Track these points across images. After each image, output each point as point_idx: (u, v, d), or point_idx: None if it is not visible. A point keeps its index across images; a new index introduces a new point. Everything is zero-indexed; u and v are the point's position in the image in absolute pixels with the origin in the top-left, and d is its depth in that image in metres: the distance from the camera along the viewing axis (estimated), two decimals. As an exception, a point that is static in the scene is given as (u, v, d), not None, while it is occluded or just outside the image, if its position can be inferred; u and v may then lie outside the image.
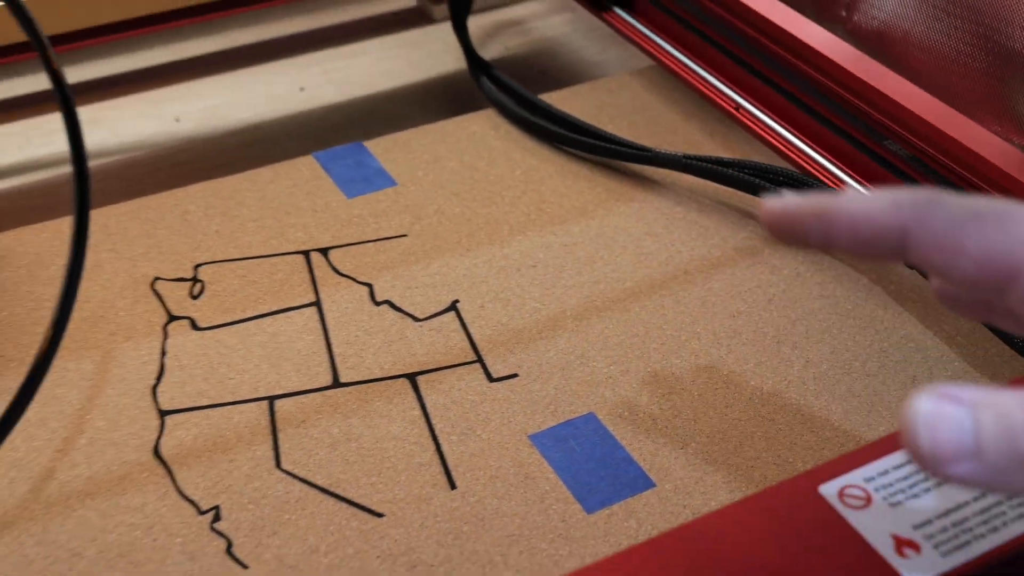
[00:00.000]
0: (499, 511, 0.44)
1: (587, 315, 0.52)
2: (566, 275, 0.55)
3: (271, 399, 0.49)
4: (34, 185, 0.66)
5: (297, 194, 0.60)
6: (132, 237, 0.57)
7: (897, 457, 0.33)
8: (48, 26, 0.56)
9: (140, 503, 0.45)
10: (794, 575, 0.30)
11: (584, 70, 0.75)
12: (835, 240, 0.31)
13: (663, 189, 0.60)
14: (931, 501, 0.32)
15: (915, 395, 0.27)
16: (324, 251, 0.56)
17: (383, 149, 0.63)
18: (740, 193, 0.58)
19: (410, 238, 0.57)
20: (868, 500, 0.32)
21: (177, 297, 0.54)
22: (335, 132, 0.69)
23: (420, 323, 0.52)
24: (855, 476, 0.33)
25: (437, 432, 0.47)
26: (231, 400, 0.49)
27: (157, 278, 0.55)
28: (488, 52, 0.72)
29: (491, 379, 0.49)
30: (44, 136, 0.69)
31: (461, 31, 0.71)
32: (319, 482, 0.45)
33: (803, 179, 0.56)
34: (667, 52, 0.67)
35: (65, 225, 0.58)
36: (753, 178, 0.56)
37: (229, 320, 0.53)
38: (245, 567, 0.42)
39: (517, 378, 0.49)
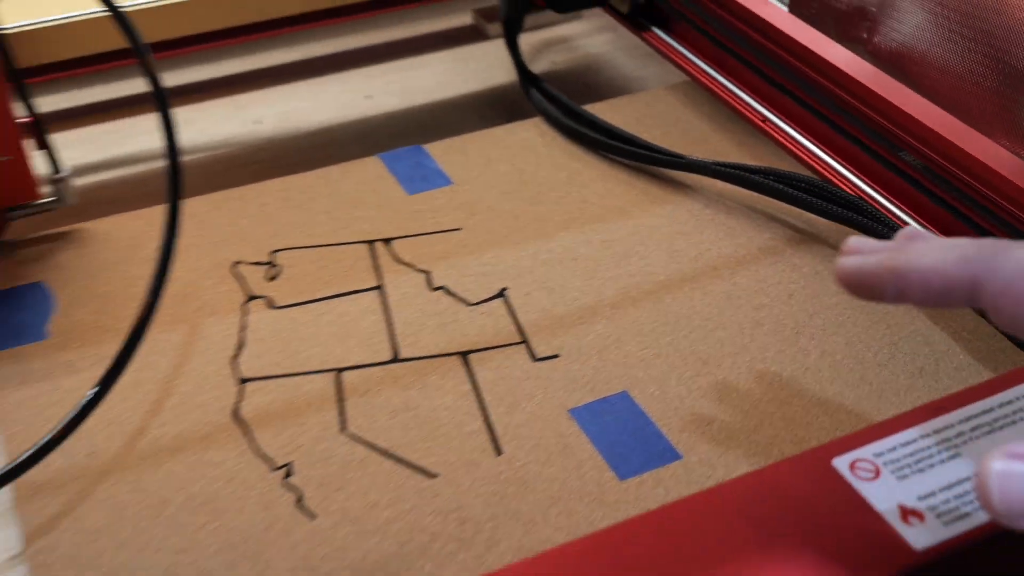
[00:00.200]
0: (540, 476, 0.44)
1: (623, 304, 0.53)
2: (604, 268, 0.55)
3: (338, 371, 0.49)
4: (130, 177, 0.67)
5: (363, 190, 0.60)
6: (217, 225, 0.58)
7: (904, 435, 0.33)
8: (146, 35, 0.57)
9: (221, 458, 0.45)
10: (809, 537, 0.31)
11: (624, 84, 0.75)
12: (908, 295, 0.30)
13: (694, 193, 0.60)
14: (935, 476, 0.32)
15: (989, 456, 0.27)
16: (387, 241, 0.57)
17: (441, 151, 0.63)
18: (765, 198, 0.57)
19: (464, 231, 0.57)
20: (877, 473, 0.32)
21: (256, 279, 0.55)
22: (397, 136, 0.69)
23: (472, 307, 0.53)
24: (865, 451, 0.33)
25: (485, 404, 0.47)
26: (302, 371, 0.49)
27: (238, 262, 0.56)
28: (537, 66, 0.72)
29: (535, 359, 0.50)
30: (140, 134, 0.70)
31: (513, 47, 0.71)
32: (380, 445, 0.46)
33: (823, 186, 0.55)
34: (700, 68, 0.66)
35: (157, 213, 0.59)
36: (777, 184, 0.56)
37: (302, 300, 0.53)
38: (313, 517, 0.43)
39: (558, 358, 0.50)
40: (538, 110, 0.66)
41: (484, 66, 0.77)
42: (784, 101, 0.61)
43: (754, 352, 0.50)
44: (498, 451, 0.45)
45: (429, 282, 0.54)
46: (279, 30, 0.73)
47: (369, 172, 0.62)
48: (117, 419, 0.47)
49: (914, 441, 0.33)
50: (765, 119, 0.62)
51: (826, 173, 0.58)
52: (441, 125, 0.69)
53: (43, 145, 0.55)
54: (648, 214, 0.58)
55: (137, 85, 0.73)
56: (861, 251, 0.32)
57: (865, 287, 0.32)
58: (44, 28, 0.55)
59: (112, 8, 0.43)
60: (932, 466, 0.32)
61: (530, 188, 0.60)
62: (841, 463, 0.32)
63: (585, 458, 0.45)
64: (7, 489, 0.45)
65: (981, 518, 0.30)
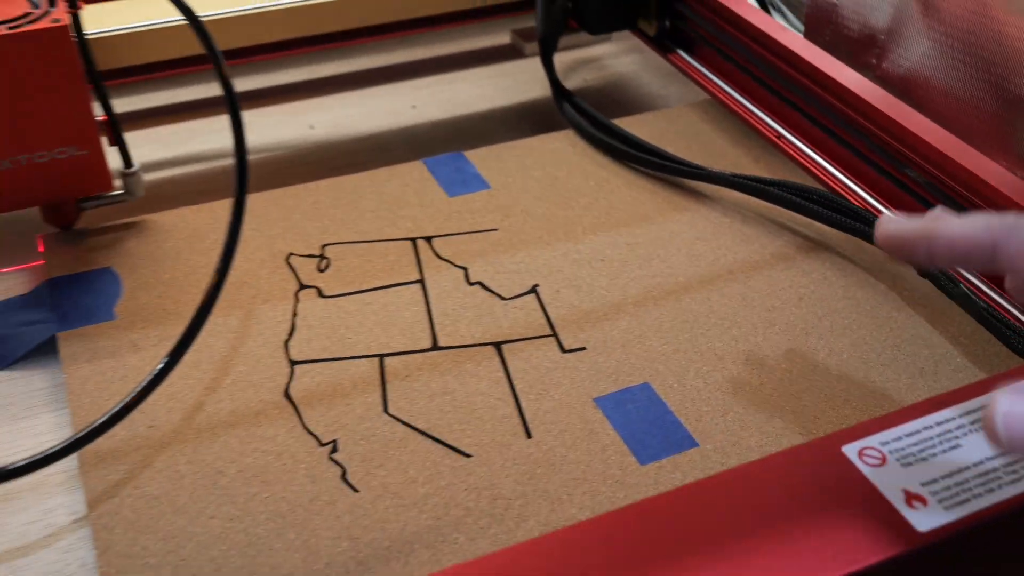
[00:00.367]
0: (567, 458, 0.44)
1: (645, 303, 0.53)
2: (628, 269, 0.55)
3: (381, 356, 0.49)
4: (193, 174, 0.67)
5: (407, 192, 0.61)
6: (272, 219, 0.58)
7: (909, 426, 0.33)
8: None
9: (272, 434, 0.46)
10: (819, 517, 0.30)
11: (649, 101, 0.75)
12: (937, 256, 0.33)
13: (713, 202, 0.60)
14: (937, 464, 0.32)
15: (996, 395, 0.28)
16: (428, 239, 0.57)
17: (479, 158, 0.63)
18: (778, 208, 0.57)
19: (500, 232, 0.58)
20: (883, 460, 0.32)
21: (307, 270, 0.55)
22: (439, 143, 0.69)
23: (506, 302, 0.53)
24: (873, 440, 0.33)
25: (517, 391, 0.47)
26: (349, 355, 0.50)
27: (291, 254, 0.56)
28: (569, 83, 0.72)
29: (563, 350, 0.50)
30: (202, 135, 0.70)
31: (548, 65, 0.71)
32: (419, 426, 0.46)
33: (833, 198, 0.55)
34: (721, 88, 0.66)
35: (217, 207, 0.59)
36: (790, 195, 0.56)
37: (349, 291, 0.53)
38: (356, 491, 0.43)
39: (585, 351, 0.50)
40: (570, 123, 0.66)
41: (520, 81, 0.76)
42: (798, 119, 0.61)
43: (766, 350, 0.49)
44: (528, 434, 0.45)
45: (467, 277, 0.54)
46: (332, 44, 0.74)
47: (413, 175, 0.62)
48: (177, 395, 0.47)
49: (918, 432, 0.33)
50: (780, 136, 0.61)
51: (836, 186, 0.57)
52: (480, 134, 0.69)
53: (116, 142, 0.55)
54: (670, 220, 0.58)
55: (199, 91, 0.74)
56: (899, 219, 0.34)
57: (901, 247, 0.34)
58: (123, 35, 0.56)
59: (192, 17, 0.44)
60: (935, 455, 0.32)
61: (561, 194, 0.60)
62: (850, 450, 0.32)
63: (608, 443, 0.45)
64: (72, 456, 0.45)
65: (980, 504, 0.30)
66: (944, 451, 0.32)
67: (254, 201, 0.59)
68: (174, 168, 0.67)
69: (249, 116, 0.71)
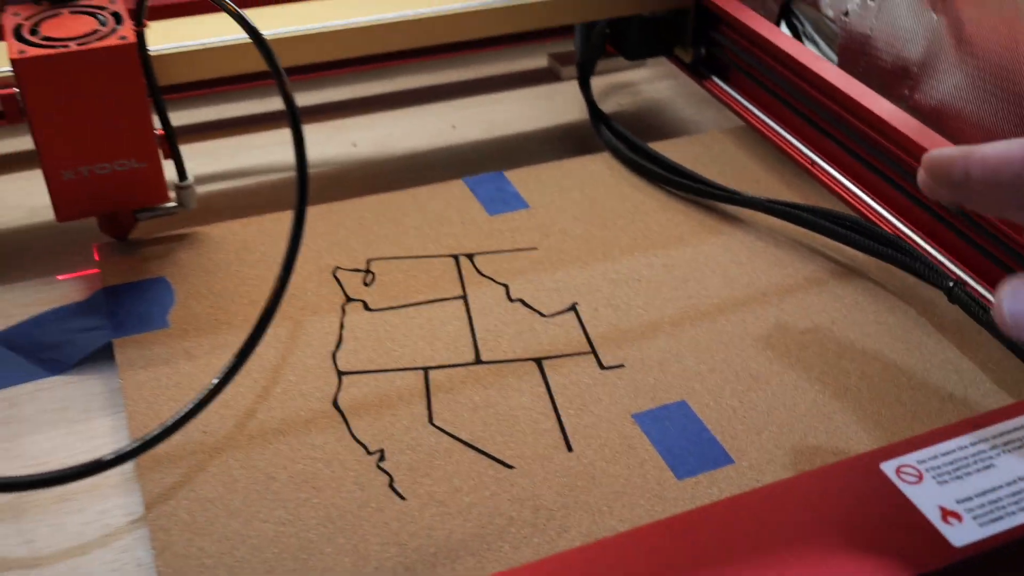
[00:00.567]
0: (607, 472, 0.45)
1: (682, 322, 0.54)
2: (665, 290, 0.56)
3: (426, 369, 0.51)
4: (238, 188, 0.69)
5: (449, 209, 0.62)
6: (319, 234, 0.60)
7: (945, 446, 0.34)
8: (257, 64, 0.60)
9: (322, 442, 0.47)
10: (858, 531, 0.32)
11: (683, 126, 0.76)
12: (972, 173, 0.33)
13: (747, 226, 0.61)
14: (972, 482, 0.33)
15: (1003, 281, 0.31)
16: (470, 256, 0.58)
17: (519, 178, 0.65)
18: (811, 233, 0.59)
19: (539, 251, 0.59)
20: (920, 477, 0.33)
21: (353, 284, 0.57)
22: (479, 163, 0.70)
23: (546, 319, 0.54)
24: (910, 458, 0.34)
25: (558, 405, 0.49)
26: (394, 367, 0.51)
27: (337, 267, 0.58)
28: (605, 106, 0.73)
29: (602, 367, 0.51)
30: (249, 150, 0.72)
31: (586, 88, 0.73)
32: (463, 437, 0.47)
33: (865, 225, 0.57)
34: (755, 115, 0.67)
35: (265, 220, 0.61)
36: (823, 221, 0.57)
37: (394, 305, 0.55)
38: (403, 498, 0.44)
39: (623, 368, 0.51)
40: (607, 145, 0.68)
41: (558, 104, 0.78)
42: (831, 147, 0.62)
43: (800, 371, 0.51)
44: (569, 448, 0.47)
45: (508, 294, 0.56)
46: (375, 64, 0.76)
47: (454, 193, 0.63)
48: (229, 402, 0.49)
49: (953, 451, 0.34)
50: (813, 163, 0.63)
51: (868, 213, 0.59)
52: (518, 154, 0.70)
53: (172, 155, 0.57)
54: (705, 243, 0.60)
55: (242, 107, 0.76)
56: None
57: (939, 168, 0.34)
58: (181, 52, 0.58)
59: (258, 37, 0.46)
60: (969, 474, 0.33)
61: (599, 215, 0.62)
62: (888, 467, 0.34)
63: (646, 458, 0.46)
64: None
65: (1014, 521, 0.31)
66: (978, 470, 0.33)
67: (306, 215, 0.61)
68: (220, 182, 0.69)
69: (297, 133, 0.73)
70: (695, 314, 0.54)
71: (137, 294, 0.55)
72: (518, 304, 0.55)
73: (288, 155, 0.70)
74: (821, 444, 0.46)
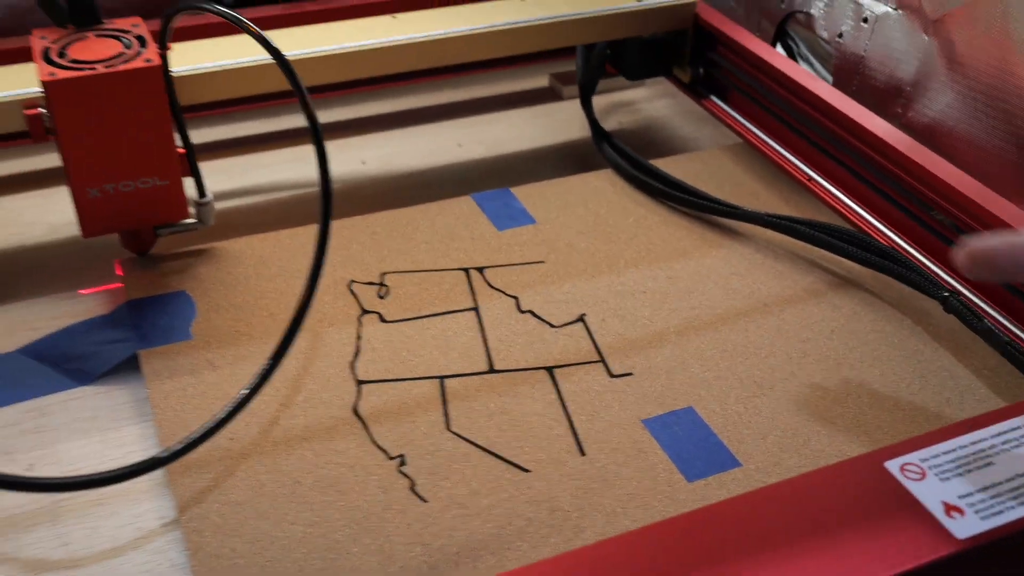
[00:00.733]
0: (619, 475, 0.47)
1: (686, 332, 0.56)
2: (669, 301, 0.58)
3: (442, 378, 0.53)
4: (252, 205, 0.70)
5: (458, 225, 0.64)
6: (333, 249, 0.61)
7: (946, 445, 0.36)
8: (269, 85, 0.61)
9: (344, 447, 0.49)
10: (865, 524, 0.34)
11: (682, 144, 0.78)
12: (1021, 263, 0.35)
13: (746, 239, 0.63)
14: (972, 479, 0.35)
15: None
16: (480, 269, 0.60)
17: (525, 195, 0.67)
18: (809, 246, 0.61)
19: (547, 264, 0.61)
20: (923, 474, 0.35)
21: (368, 296, 0.58)
22: (484, 180, 0.72)
23: (556, 329, 0.56)
24: (913, 456, 0.36)
25: (570, 412, 0.51)
26: (411, 376, 0.53)
27: (353, 281, 0.59)
28: (605, 125, 0.75)
29: (611, 375, 0.53)
30: (257, 168, 0.74)
31: (587, 106, 0.75)
32: (479, 442, 0.49)
33: (862, 238, 0.59)
34: (753, 132, 0.70)
35: (282, 236, 0.62)
36: (821, 234, 0.59)
37: (408, 316, 0.57)
38: (425, 501, 0.46)
39: (632, 376, 0.53)
40: (609, 162, 0.70)
41: (559, 122, 0.80)
42: (827, 163, 0.64)
43: (801, 378, 0.53)
44: (582, 452, 0.48)
45: (518, 306, 0.57)
46: (382, 84, 0.78)
47: (463, 209, 0.65)
48: (254, 411, 0.50)
49: (954, 450, 0.36)
50: (810, 178, 0.65)
51: (864, 227, 0.61)
52: (522, 172, 0.72)
53: (192, 173, 0.59)
54: (706, 256, 0.62)
55: (253, 127, 0.78)
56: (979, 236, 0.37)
57: (985, 260, 0.36)
58: (199, 74, 0.59)
59: (280, 58, 0.48)
60: (970, 471, 0.35)
61: (603, 229, 0.64)
62: (892, 465, 0.36)
63: (657, 462, 0.48)
64: (160, 465, 0.49)
65: (1014, 515, 0.33)
66: (979, 467, 0.35)
67: (313, 232, 0.62)
68: (231, 199, 0.71)
69: (306, 151, 0.74)
70: (699, 324, 0.56)
71: (160, 307, 0.57)
72: (528, 315, 0.57)
73: (295, 173, 0.73)
74: (824, 447, 0.48)
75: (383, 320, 0.56)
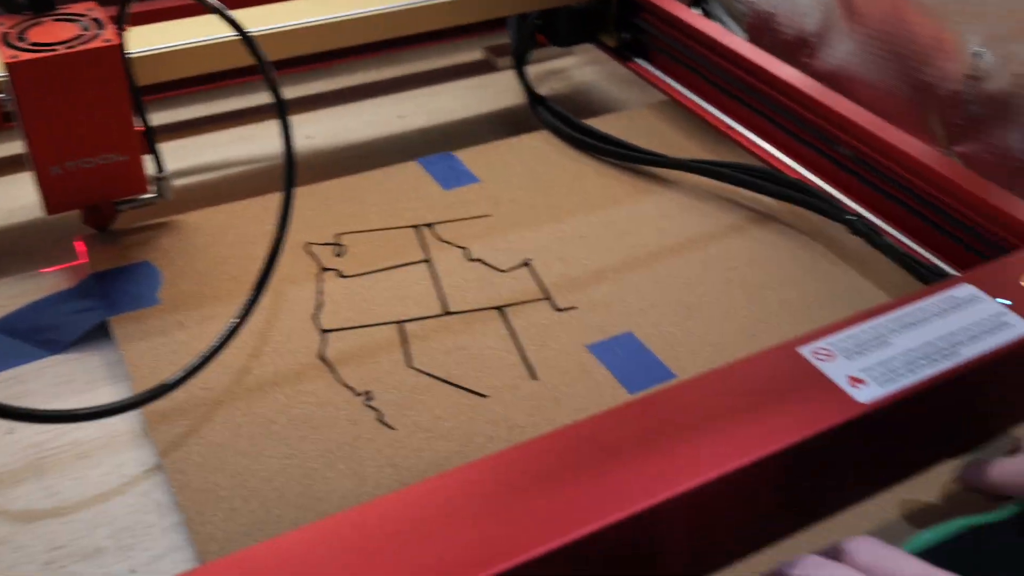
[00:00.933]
0: (568, 394, 0.51)
1: (623, 270, 0.60)
2: (606, 243, 0.62)
3: (401, 322, 0.57)
4: (207, 181, 0.73)
5: (406, 187, 0.68)
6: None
7: (851, 330, 0.41)
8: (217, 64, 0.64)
9: (313, 389, 0.52)
10: (783, 400, 0.38)
11: (612, 105, 0.82)
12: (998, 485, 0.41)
13: (675, 185, 0.68)
14: (873, 355, 0.40)
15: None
16: (430, 225, 0.64)
17: (468, 157, 0.71)
18: (731, 187, 0.65)
19: (492, 217, 0.65)
20: (832, 355, 0.40)
21: (325, 256, 0.62)
22: (427, 148, 0.74)
23: (504, 273, 0.60)
24: (823, 341, 0.41)
25: (521, 343, 0.55)
26: (372, 323, 0.57)
27: (309, 243, 0.63)
28: (540, 92, 0.79)
29: (557, 309, 0.57)
30: (215, 146, 0.77)
31: (522, 74, 0.79)
32: (439, 375, 0.53)
33: (775, 174, 0.64)
34: (676, 89, 0.74)
35: (237, 207, 0.65)
36: (740, 175, 0.64)
37: (365, 271, 0.60)
38: (393, 428, 0.50)
39: (576, 309, 0.57)
40: (545, 124, 0.74)
41: (495, 92, 0.84)
42: (744, 112, 0.69)
43: (727, 302, 0.58)
44: (533, 376, 0.53)
45: (467, 255, 0.61)
46: (322, 63, 0.81)
47: (410, 173, 0.69)
48: (224, 362, 0.54)
49: (857, 334, 0.41)
50: (729, 127, 0.70)
51: (778, 165, 0.66)
52: (462, 138, 0.76)
53: (151, 150, 0.62)
54: (638, 202, 0.66)
55: (202, 109, 0.80)
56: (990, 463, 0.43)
57: (1004, 487, 0.42)
58: (159, 54, 0.63)
59: (241, 32, 0.51)
60: (871, 349, 0.40)
61: (543, 184, 0.68)
62: (805, 351, 0.40)
63: (602, 379, 0.52)
64: (136, 416, 0.52)
65: (907, 381, 0.38)
66: (878, 346, 0.40)
67: (269, 201, 0.65)
68: (191, 176, 0.74)
69: (253, 129, 0.78)
70: (634, 262, 0.61)
71: (126, 276, 0.60)
72: (478, 263, 0.61)
73: (246, 150, 0.76)
74: (751, 359, 0.53)
75: (342, 276, 0.60)
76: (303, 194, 0.67)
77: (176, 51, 0.63)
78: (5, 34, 0.56)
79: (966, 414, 0.43)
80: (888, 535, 0.40)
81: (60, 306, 0.59)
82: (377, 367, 0.54)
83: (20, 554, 0.46)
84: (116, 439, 0.52)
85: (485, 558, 0.33)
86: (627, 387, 0.52)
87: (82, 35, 0.56)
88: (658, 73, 0.76)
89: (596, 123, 0.74)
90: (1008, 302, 0.43)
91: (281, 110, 0.51)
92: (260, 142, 0.77)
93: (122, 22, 0.56)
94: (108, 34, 0.56)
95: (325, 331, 0.56)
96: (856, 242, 0.60)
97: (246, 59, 0.60)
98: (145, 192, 0.62)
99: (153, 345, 0.55)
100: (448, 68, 0.87)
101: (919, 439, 0.42)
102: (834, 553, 0.38)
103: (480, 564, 0.32)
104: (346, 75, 0.86)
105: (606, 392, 0.51)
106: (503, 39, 0.86)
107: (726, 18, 0.80)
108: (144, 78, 0.61)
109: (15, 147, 0.57)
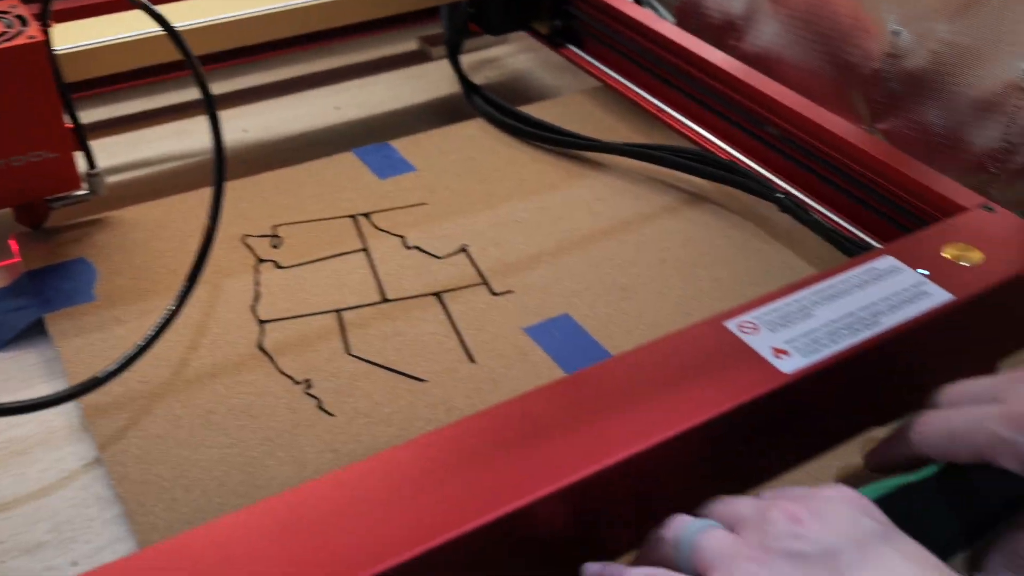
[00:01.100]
0: (506, 376, 0.52)
1: (558, 253, 0.61)
2: (542, 227, 0.63)
3: (339, 311, 0.57)
4: (141, 177, 0.73)
5: (342, 178, 0.68)
6: (224, 209, 0.64)
7: (775, 304, 0.42)
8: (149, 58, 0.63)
9: (252, 379, 0.52)
10: (710, 372, 0.39)
11: (546, 92, 0.83)
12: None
13: (608, 169, 0.69)
14: (797, 327, 0.41)
15: None
16: (367, 215, 0.64)
17: (403, 146, 0.71)
18: (663, 169, 0.66)
19: (429, 205, 0.65)
20: (757, 328, 0.41)
21: (262, 247, 0.61)
22: (363, 138, 0.74)
23: (440, 260, 0.61)
24: (748, 315, 0.42)
25: (459, 327, 0.55)
26: (310, 312, 0.57)
27: (245, 235, 0.62)
28: (474, 80, 0.80)
29: (494, 294, 0.58)
30: (149, 143, 0.76)
31: (456, 63, 0.79)
32: (378, 361, 0.53)
33: (707, 156, 0.65)
34: (608, 75, 0.75)
35: (174, 201, 0.65)
36: (672, 157, 0.65)
37: (302, 261, 0.60)
38: (332, 415, 0.50)
39: (512, 293, 0.58)
40: (479, 112, 0.74)
41: (430, 82, 0.84)
42: (675, 95, 0.70)
43: (661, 282, 0.59)
44: (471, 360, 0.53)
45: (404, 243, 0.62)
46: (255, 56, 0.80)
47: (346, 164, 0.69)
48: (161, 355, 0.53)
49: (781, 308, 0.42)
50: (661, 110, 0.71)
51: (709, 147, 0.67)
52: (398, 128, 0.76)
53: (82, 146, 0.61)
54: (573, 187, 0.67)
55: (137, 104, 0.80)
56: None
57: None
58: (86, 50, 0.62)
59: (168, 28, 0.51)
60: (795, 321, 0.41)
61: (478, 171, 0.68)
62: (731, 324, 0.41)
63: (539, 361, 0.53)
64: (74, 411, 0.52)
65: (828, 351, 0.40)
66: (802, 318, 0.41)
67: (205, 195, 0.65)
68: (124, 173, 0.73)
69: (189, 124, 0.77)
70: (569, 245, 0.62)
71: (61, 273, 0.59)
72: (414, 251, 0.61)
73: (179, 145, 0.75)
74: (684, 336, 0.54)
75: (279, 267, 0.60)
76: (239, 187, 0.67)
77: (105, 47, 0.62)
78: (-74, 31, 0.55)
79: (889, 382, 0.44)
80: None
81: (-7, 306, 0.58)
82: (316, 356, 0.54)
83: (-42, 553, 0.45)
84: (54, 435, 0.51)
85: (422, 534, 0.33)
86: (564, 368, 0.52)
87: (5, 32, 0.55)
88: (591, 59, 0.77)
89: (530, 110, 0.74)
90: (927, 272, 0.45)
91: (209, 103, 0.51)
92: (197, 136, 0.76)
93: (46, 18, 0.56)
94: (32, 31, 0.55)
95: (263, 322, 0.56)
96: (786, 220, 0.61)
97: (177, 54, 0.60)
98: (78, 189, 0.62)
99: (90, 341, 0.55)
100: (383, 59, 0.87)
101: (844, 407, 0.43)
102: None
103: (417, 540, 0.33)
104: (281, 68, 0.85)
105: (543, 373, 0.52)
106: (437, 29, 0.87)
107: (657, 4, 0.81)
108: (73, 75, 0.61)
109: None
